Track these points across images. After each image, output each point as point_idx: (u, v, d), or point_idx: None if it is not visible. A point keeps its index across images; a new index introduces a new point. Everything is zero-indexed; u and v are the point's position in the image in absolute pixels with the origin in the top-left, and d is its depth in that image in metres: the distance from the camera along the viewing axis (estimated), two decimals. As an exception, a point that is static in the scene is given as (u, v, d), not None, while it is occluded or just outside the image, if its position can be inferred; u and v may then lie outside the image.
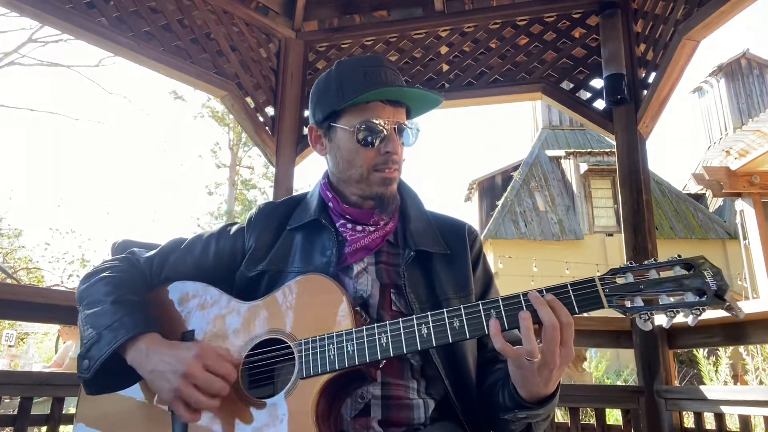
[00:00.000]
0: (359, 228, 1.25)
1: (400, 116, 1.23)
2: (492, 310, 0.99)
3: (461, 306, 1.01)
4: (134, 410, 1.16)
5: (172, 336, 1.14)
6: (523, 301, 0.98)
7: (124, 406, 1.16)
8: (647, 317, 0.92)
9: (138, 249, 1.34)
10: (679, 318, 0.91)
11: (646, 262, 0.97)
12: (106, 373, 1.08)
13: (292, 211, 1.34)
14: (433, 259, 1.26)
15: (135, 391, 1.16)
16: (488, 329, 0.97)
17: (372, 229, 1.25)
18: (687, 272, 0.93)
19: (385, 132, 1.19)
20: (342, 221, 1.27)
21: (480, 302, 1.00)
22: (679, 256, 0.96)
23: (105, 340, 1.07)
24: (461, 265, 1.28)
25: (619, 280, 0.95)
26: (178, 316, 1.21)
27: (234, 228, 1.35)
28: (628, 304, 0.94)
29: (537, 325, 0.96)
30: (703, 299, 0.89)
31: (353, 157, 1.22)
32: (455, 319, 1.00)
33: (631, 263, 0.97)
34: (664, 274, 0.94)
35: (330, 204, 1.30)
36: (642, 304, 0.93)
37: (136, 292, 1.19)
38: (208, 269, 1.29)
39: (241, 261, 1.29)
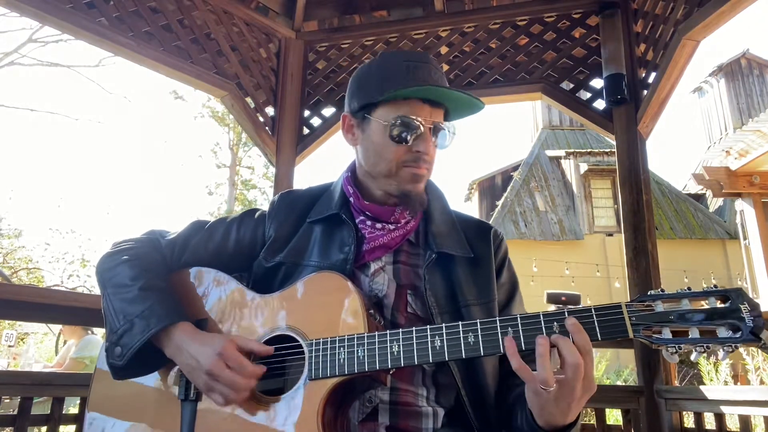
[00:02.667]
0: (378, 226, 1.22)
1: (438, 116, 1.19)
2: (509, 328, 0.94)
3: (477, 321, 0.97)
4: (145, 396, 1.17)
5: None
6: (543, 322, 0.93)
7: (136, 393, 1.18)
8: (675, 350, 0.86)
9: (159, 229, 1.34)
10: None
11: (679, 290, 0.90)
12: (137, 359, 1.09)
13: (313, 202, 1.32)
14: (455, 262, 1.23)
15: (146, 378, 1.18)
16: (503, 348, 0.93)
17: (392, 227, 1.22)
18: (722, 304, 0.86)
19: (421, 130, 1.16)
20: (362, 218, 1.24)
21: (497, 318, 0.97)
22: (715, 286, 0.89)
23: (137, 328, 1.08)
24: (485, 270, 1.25)
25: (648, 309, 0.89)
26: (193, 303, 1.21)
27: (256, 215, 1.34)
28: (655, 335, 0.88)
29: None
30: (737, 336, 0.83)
31: (384, 151, 1.18)
32: (470, 333, 0.97)
33: (662, 290, 0.91)
34: (695, 304, 0.88)
35: (351, 199, 1.27)
36: (670, 336, 0.87)
37: (161, 276, 1.19)
38: (227, 255, 1.29)
39: (260, 249, 1.28)
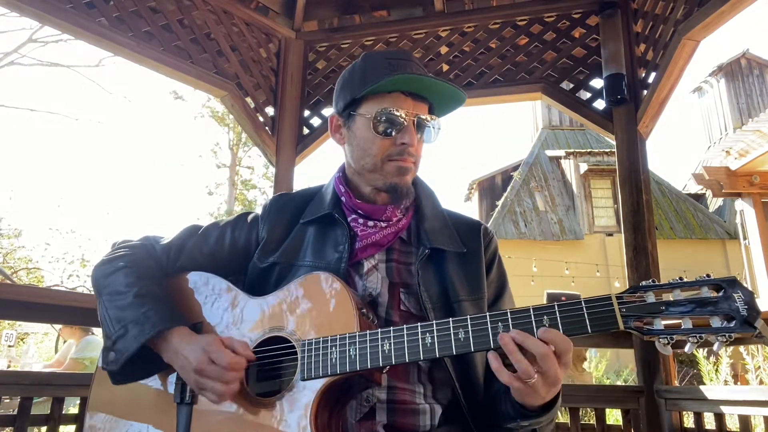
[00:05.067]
0: (371, 224, 1.23)
1: (421, 110, 1.20)
2: (500, 324, 0.95)
3: (468, 317, 0.98)
4: (144, 399, 1.18)
5: None
6: (533, 316, 0.94)
7: (135, 396, 1.19)
8: (667, 341, 0.85)
9: (153, 235, 1.34)
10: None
11: (671, 280, 0.89)
12: (132, 364, 1.09)
13: (305, 204, 1.33)
14: (447, 258, 1.24)
15: (145, 381, 1.19)
16: (493, 343, 0.94)
17: (384, 225, 1.23)
18: (715, 294, 0.85)
19: (405, 123, 1.17)
20: (353, 216, 1.25)
21: (488, 314, 0.97)
22: (708, 275, 0.87)
23: (131, 333, 1.08)
24: (475, 267, 1.26)
25: (639, 300, 0.88)
26: (189, 307, 1.22)
27: (250, 217, 1.35)
28: (646, 326, 0.87)
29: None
30: (731, 325, 0.82)
31: (369, 146, 1.20)
32: (461, 330, 0.97)
33: (653, 281, 0.90)
34: (688, 294, 0.87)
35: (342, 198, 1.28)
36: (662, 327, 0.86)
37: (156, 282, 1.20)
38: (222, 258, 1.30)
39: (255, 251, 1.29)
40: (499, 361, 0.93)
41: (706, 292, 0.86)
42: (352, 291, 1.10)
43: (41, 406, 3.19)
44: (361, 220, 1.24)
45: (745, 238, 8.45)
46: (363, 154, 1.21)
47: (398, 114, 1.17)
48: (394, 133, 1.18)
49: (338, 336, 1.03)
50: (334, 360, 1.02)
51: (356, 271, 1.23)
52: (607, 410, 2.53)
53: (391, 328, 1.02)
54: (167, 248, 1.29)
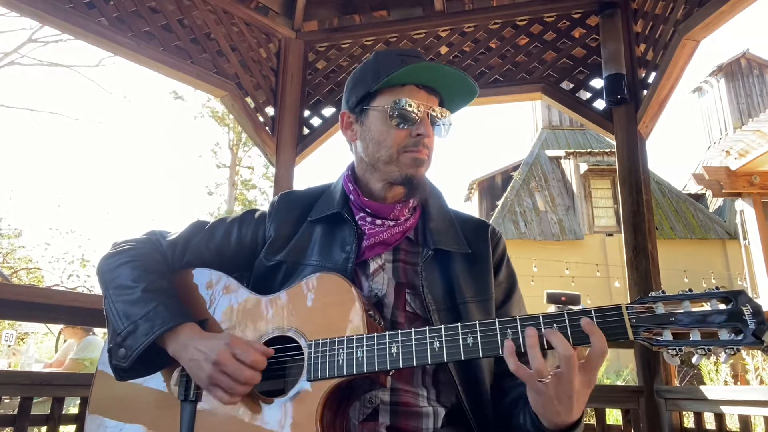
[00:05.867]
0: (378, 222, 1.23)
1: (434, 104, 1.21)
2: (508, 330, 0.94)
3: (477, 322, 0.97)
4: (146, 398, 1.18)
5: None
6: (542, 323, 0.92)
7: (136, 394, 1.18)
8: (676, 353, 0.86)
9: (159, 230, 1.34)
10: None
11: (680, 292, 0.90)
12: (142, 360, 1.09)
13: (313, 202, 1.32)
14: (453, 259, 1.23)
15: (147, 379, 1.18)
16: (502, 350, 0.92)
17: (391, 223, 1.23)
18: (724, 307, 0.86)
19: (419, 115, 1.18)
20: (361, 214, 1.25)
21: (497, 320, 0.96)
22: (717, 288, 0.88)
23: (141, 330, 1.08)
24: (483, 267, 1.25)
25: (648, 310, 0.89)
26: (194, 303, 1.21)
27: (257, 214, 1.34)
28: (656, 337, 0.87)
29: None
30: (739, 338, 0.83)
31: (384, 138, 1.20)
32: (469, 335, 0.96)
33: (663, 292, 0.90)
34: (697, 306, 0.88)
35: (351, 196, 1.28)
36: (671, 338, 0.86)
37: (163, 277, 1.20)
38: (229, 255, 1.29)
39: (261, 249, 1.28)
40: (514, 357, 0.90)
41: (715, 304, 0.86)
42: (360, 292, 1.09)
43: (41, 406, 3.19)
44: (368, 219, 1.24)
45: (745, 238, 8.45)
46: (378, 147, 1.21)
47: (413, 106, 1.17)
48: (409, 125, 1.18)
49: (345, 337, 1.03)
50: (341, 361, 1.01)
51: (362, 270, 1.22)
52: (607, 410, 2.53)
53: (399, 331, 1.01)
54: (173, 243, 1.29)
